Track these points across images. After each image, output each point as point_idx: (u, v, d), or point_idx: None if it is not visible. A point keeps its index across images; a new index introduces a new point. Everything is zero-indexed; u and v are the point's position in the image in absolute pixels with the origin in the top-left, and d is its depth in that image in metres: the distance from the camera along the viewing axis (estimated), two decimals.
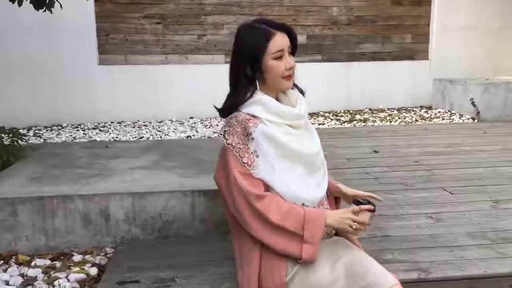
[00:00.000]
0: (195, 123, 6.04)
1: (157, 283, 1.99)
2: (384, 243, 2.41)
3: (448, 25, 6.96)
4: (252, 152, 1.67)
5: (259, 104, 1.69)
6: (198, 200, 2.45)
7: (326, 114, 6.45)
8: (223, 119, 1.79)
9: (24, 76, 5.83)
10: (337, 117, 6.31)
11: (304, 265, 1.67)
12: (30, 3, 3.31)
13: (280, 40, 1.67)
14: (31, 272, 2.20)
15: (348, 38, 6.85)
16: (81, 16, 5.87)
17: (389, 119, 6.12)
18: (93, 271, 2.21)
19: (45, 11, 3.54)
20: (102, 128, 5.74)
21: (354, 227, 1.67)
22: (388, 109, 6.88)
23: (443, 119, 6.10)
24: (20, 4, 3.33)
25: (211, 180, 2.50)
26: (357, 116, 6.35)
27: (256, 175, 1.67)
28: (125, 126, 5.90)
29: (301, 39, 6.47)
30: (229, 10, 6.46)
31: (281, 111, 1.71)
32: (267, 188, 1.69)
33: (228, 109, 1.74)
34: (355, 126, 5.84)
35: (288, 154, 1.69)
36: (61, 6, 3.64)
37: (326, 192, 1.83)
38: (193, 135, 5.31)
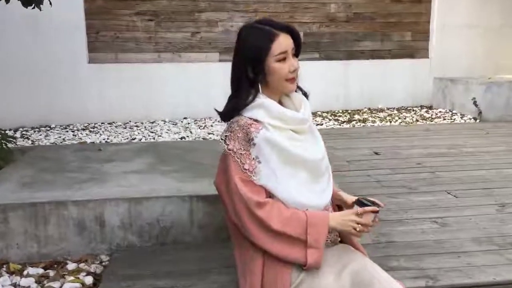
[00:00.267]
0: (189, 123, 6.03)
1: None
2: (389, 250, 2.41)
3: (449, 23, 7.00)
4: (253, 158, 1.66)
5: (262, 108, 1.68)
6: (196, 206, 2.44)
7: (324, 114, 6.46)
8: (223, 122, 1.78)
9: (9, 75, 5.79)
10: (336, 117, 6.32)
11: (309, 273, 1.67)
12: (18, 0, 3.29)
13: (283, 42, 1.67)
14: (24, 282, 2.18)
15: (346, 36, 6.86)
16: (70, 13, 5.84)
17: (389, 119, 6.14)
18: (88, 280, 2.19)
19: (34, 8, 3.52)
20: (92, 129, 5.71)
21: (357, 229, 1.67)
22: (388, 108, 6.91)
23: (444, 119, 6.13)
24: (7, 1, 3.31)
25: (210, 185, 2.49)
26: (356, 116, 6.37)
27: (258, 181, 1.66)
28: (116, 127, 5.88)
29: None
30: (223, 7, 6.45)
31: (285, 116, 1.70)
32: (269, 195, 1.68)
33: (230, 112, 1.73)
34: (354, 126, 5.85)
35: (291, 160, 1.68)
36: (50, 3, 3.62)
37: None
38: (187, 136, 5.30)
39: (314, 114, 6.41)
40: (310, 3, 6.68)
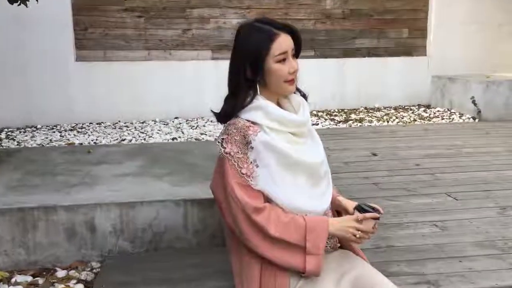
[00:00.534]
0: (180, 123, 6.01)
1: None
2: (389, 254, 2.43)
3: (447, 20, 7.03)
4: (251, 162, 1.66)
5: (260, 109, 1.68)
6: (191, 210, 2.44)
7: (320, 114, 6.47)
8: (217, 123, 1.77)
9: None
10: (331, 117, 6.34)
11: (308, 280, 1.67)
12: None
13: (284, 42, 1.66)
14: None
15: (342, 33, 6.88)
16: (56, 9, 5.80)
17: (386, 119, 6.17)
18: (79, 287, 2.18)
19: (19, 4, 3.49)
20: (80, 130, 5.68)
21: (357, 235, 1.67)
22: (385, 108, 6.93)
23: (443, 119, 6.17)
24: None
25: (205, 188, 2.49)
26: (353, 116, 6.38)
27: (255, 186, 1.66)
28: (105, 127, 5.85)
29: None
30: (216, 3, 6.44)
31: (284, 118, 1.70)
32: (267, 200, 1.68)
33: (227, 114, 1.72)
34: (350, 126, 5.87)
35: (290, 164, 1.68)
36: (37, 0, 3.59)
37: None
38: (179, 137, 5.29)
39: (310, 113, 6.40)
40: None
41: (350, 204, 1.82)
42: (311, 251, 1.62)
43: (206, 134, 5.39)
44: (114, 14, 6.18)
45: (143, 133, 5.50)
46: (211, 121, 6.01)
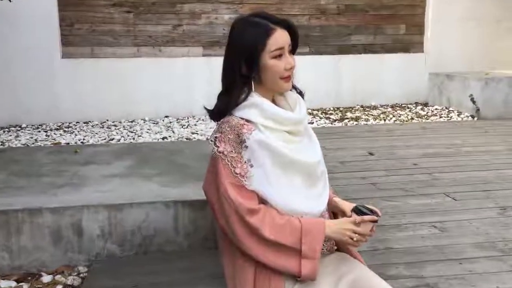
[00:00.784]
0: (170, 122, 5.99)
1: None
2: (387, 257, 2.43)
3: (445, 16, 7.06)
4: (245, 162, 1.65)
5: (255, 107, 1.66)
6: (182, 212, 2.42)
7: (315, 112, 6.47)
8: (209, 121, 1.75)
9: None
10: (327, 115, 6.34)
11: (303, 284, 1.66)
12: None
13: (280, 37, 1.65)
14: None
15: (338, 29, 6.89)
16: (41, 3, 5.77)
17: (383, 117, 6.18)
18: None
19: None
20: (66, 129, 5.66)
21: (355, 238, 1.66)
22: (381, 106, 6.95)
23: (441, 117, 6.19)
24: None
25: (196, 189, 2.48)
26: (348, 114, 6.39)
27: (249, 186, 1.64)
28: (92, 126, 5.82)
29: None
30: None
31: (279, 116, 1.68)
32: (262, 201, 1.67)
33: (220, 112, 1.70)
34: (346, 125, 5.88)
35: (285, 164, 1.67)
36: None
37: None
38: (170, 136, 5.27)
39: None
40: None
41: (348, 206, 1.80)
42: (307, 255, 1.61)
43: (197, 134, 5.38)
44: (101, 9, 6.14)
45: (132, 132, 5.48)
46: (203, 120, 6.00)
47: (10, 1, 3.44)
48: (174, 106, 6.26)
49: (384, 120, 6.08)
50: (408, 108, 6.80)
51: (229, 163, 1.64)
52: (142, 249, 2.41)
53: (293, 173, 1.69)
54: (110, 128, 5.72)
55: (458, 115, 6.24)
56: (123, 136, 5.28)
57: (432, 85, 6.96)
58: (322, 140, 1.81)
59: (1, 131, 5.53)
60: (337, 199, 1.86)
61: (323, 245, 1.70)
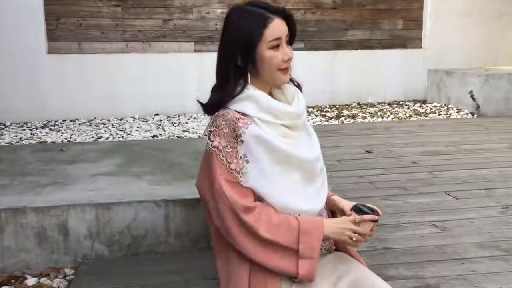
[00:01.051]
0: (161, 120, 5.97)
1: None
2: (386, 257, 2.41)
3: (444, 10, 7.07)
4: (241, 157, 1.62)
5: (251, 100, 1.64)
6: (173, 211, 2.40)
7: (310, 110, 6.46)
8: (207, 115, 1.72)
9: None
10: (323, 113, 6.34)
11: (300, 285, 1.64)
12: None
13: (278, 27, 1.63)
14: None
15: (334, 24, 6.88)
16: None
17: (381, 115, 6.18)
18: None
19: None
20: (52, 127, 5.62)
21: (354, 238, 1.65)
22: (378, 103, 6.95)
23: (440, 114, 6.20)
24: None
25: (188, 188, 2.47)
26: (345, 112, 6.39)
27: (245, 183, 1.62)
28: (79, 124, 5.79)
29: None
30: None
31: (277, 110, 1.66)
32: (257, 198, 1.65)
33: (215, 105, 1.67)
34: (343, 122, 5.88)
35: (283, 160, 1.64)
36: None
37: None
38: (160, 135, 5.25)
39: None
40: None
41: (347, 204, 1.78)
42: (304, 255, 1.59)
43: (189, 132, 5.35)
44: (89, 3, 6.10)
45: (121, 130, 5.45)
46: (194, 118, 5.97)
47: None
48: (164, 103, 6.23)
49: (382, 117, 6.08)
50: (406, 105, 6.81)
51: (224, 159, 1.62)
52: (131, 250, 2.39)
53: (291, 169, 1.67)
54: (98, 126, 5.69)
55: (457, 112, 6.25)
56: (111, 135, 5.25)
57: (430, 81, 6.98)
58: (318, 138, 1.80)
59: None
60: (336, 197, 1.84)
61: (321, 244, 1.67)
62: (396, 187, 3.44)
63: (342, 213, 1.78)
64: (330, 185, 1.88)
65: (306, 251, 1.59)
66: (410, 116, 6.16)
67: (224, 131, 1.62)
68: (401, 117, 6.09)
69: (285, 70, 1.67)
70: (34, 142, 4.90)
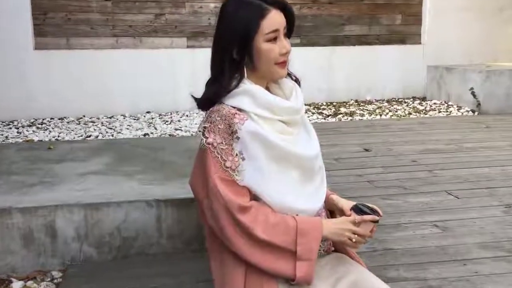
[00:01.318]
0: (152, 118, 5.95)
1: None
2: (386, 258, 2.41)
3: (443, 5, 7.08)
4: (236, 154, 1.60)
5: (247, 95, 1.62)
6: (165, 212, 2.39)
7: (307, 107, 6.44)
8: (201, 111, 1.70)
9: None
10: (320, 111, 6.33)
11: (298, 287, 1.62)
12: None
13: (275, 19, 1.61)
14: None
15: (331, 19, 6.88)
16: None
17: (379, 112, 6.18)
18: None
19: None
20: (40, 126, 5.59)
21: (354, 240, 1.63)
22: (377, 100, 6.95)
23: (440, 112, 6.20)
24: None
25: (181, 187, 2.46)
26: (342, 109, 6.39)
27: (241, 182, 1.60)
28: (68, 122, 5.77)
29: None
30: None
31: (274, 105, 1.64)
32: (254, 197, 1.63)
33: (209, 100, 1.65)
34: (340, 120, 5.88)
35: (280, 157, 1.63)
36: None
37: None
38: (151, 133, 5.23)
39: None
40: None
41: (346, 204, 1.77)
42: (302, 256, 1.57)
43: (181, 130, 5.34)
44: None
45: (111, 129, 5.44)
46: (187, 116, 5.95)
47: None
48: (156, 101, 6.21)
49: (380, 115, 6.08)
50: (405, 102, 6.81)
51: (219, 156, 1.60)
52: (121, 252, 2.38)
53: (289, 167, 1.65)
54: (87, 124, 5.66)
55: (457, 109, 6.26)
56: (101, 133, 5.24)
57: (430, 78, 6.98)
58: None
59: None
60: (335, 197, 1.82)
61: (320, 246, 1.66)
62: (396, 186, 3.44)
63: (341, 213, 1.76)
64: (328, 184, 1.87)
65: (304, 252, 1.57)
66: (410, 113, 6.16)
67: (219, 127, 1.60)
68: (400, 115, 6.09)
69: (283, 63, 1.65)
70: (21, 141, 4.87)
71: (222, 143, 1.59)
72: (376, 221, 1.65)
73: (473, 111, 6.11)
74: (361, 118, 5.95)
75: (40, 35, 5.99)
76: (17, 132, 5.26)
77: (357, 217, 1.64)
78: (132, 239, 2.37)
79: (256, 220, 1.58)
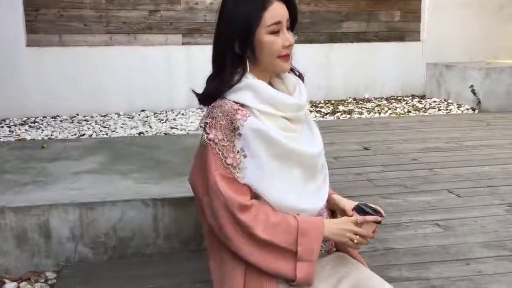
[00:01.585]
0: (147, 117, 5.94)
1: None
2: (388, 258, 2.40)
3: (442, 1, 7.10)
4: (238, 151, 1.59)
5: (250, 89, 1.61)
6: (161, 211, 2.38)
7: None
8: (202, 107, 1.69)
9: None
10: (318, 109, 6.33)
11: None
12: None
13: (277, 11, 1.60)
14: None
15: (328, 16, 6.87)
16: None
17: (378, 110, 6.18)
18: None
19: None
20: (32, 124, 5.58)
21: (355, 240, 1.62)
22: (375, 98, 6.96)
23: (439, 110, 6.21)
24: None
25: (177, 186, 2.45)
26: (341, 107, 6.39)
27: (242, 179, 1.59)
28: (61, 121, 5.76)
29: None
30: None
31: (278, 100, 1.63)
32: (254, 195, 1.62)
33: (211, 95, 1.64)
34: (339, 118, 5.88)
35: (282, 155, 1.61)
36: None
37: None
38: (146, 131, 5.22)
39: None
40: None
41: (348, 204, 1.76)
42: (303, 257, 1.57)
43: (177, 128, 5.32)
44: None
45: (105, 127, 5.43)
46: (182, 114, 5.94)
47: None
48: (151, 99, 6.20)
49: (379, 113, 6.08)
50: (404, 100, 6.82)
51: (220, 152, 1.58)
52: (117, 253, 2.37)
53: (291, 165, 1.64)
54: (80, 123, 5.65)
55: (457, 107, 6.27)
56: (95, 132, 5.22)
57: (429, 76, 6.99)
58: None
59: None
60: (337, 196, 1.81)
61: (321, 246, 1.65)
62: (396, 185, 3.43)
63: (343, 213, 1.75)
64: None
65: (304, 253, 1.57)
66: (409, 111, 6.17)
67: (221, 123, 1.58)
68: (399, 113, 6.10)
69: (286, 57, 1.64)
70: (13, 140, 4.85)
71: (223, 139, 1.58)
72: (378, 222, 1.64)
73: (473, 109, 6.12)
74: (359, 116, 5.96)
75: (32, 32, 5.97)
76: (9, 131, 5.24)
77: (359, 218, 1.63)
78: (128, 239, 2.37)
79: (256, 219, 1.57)
